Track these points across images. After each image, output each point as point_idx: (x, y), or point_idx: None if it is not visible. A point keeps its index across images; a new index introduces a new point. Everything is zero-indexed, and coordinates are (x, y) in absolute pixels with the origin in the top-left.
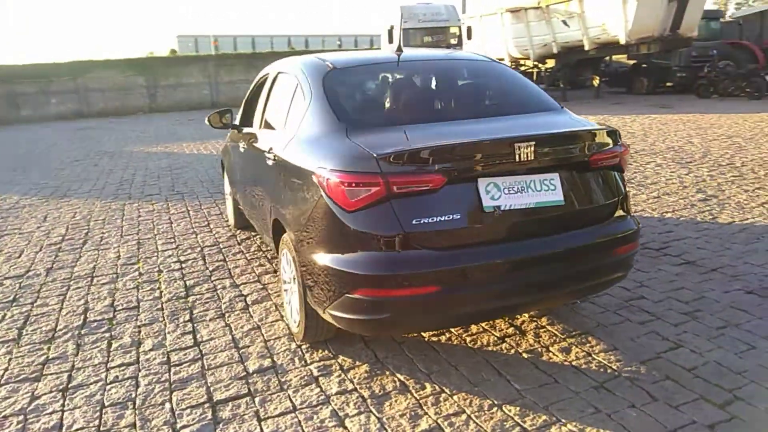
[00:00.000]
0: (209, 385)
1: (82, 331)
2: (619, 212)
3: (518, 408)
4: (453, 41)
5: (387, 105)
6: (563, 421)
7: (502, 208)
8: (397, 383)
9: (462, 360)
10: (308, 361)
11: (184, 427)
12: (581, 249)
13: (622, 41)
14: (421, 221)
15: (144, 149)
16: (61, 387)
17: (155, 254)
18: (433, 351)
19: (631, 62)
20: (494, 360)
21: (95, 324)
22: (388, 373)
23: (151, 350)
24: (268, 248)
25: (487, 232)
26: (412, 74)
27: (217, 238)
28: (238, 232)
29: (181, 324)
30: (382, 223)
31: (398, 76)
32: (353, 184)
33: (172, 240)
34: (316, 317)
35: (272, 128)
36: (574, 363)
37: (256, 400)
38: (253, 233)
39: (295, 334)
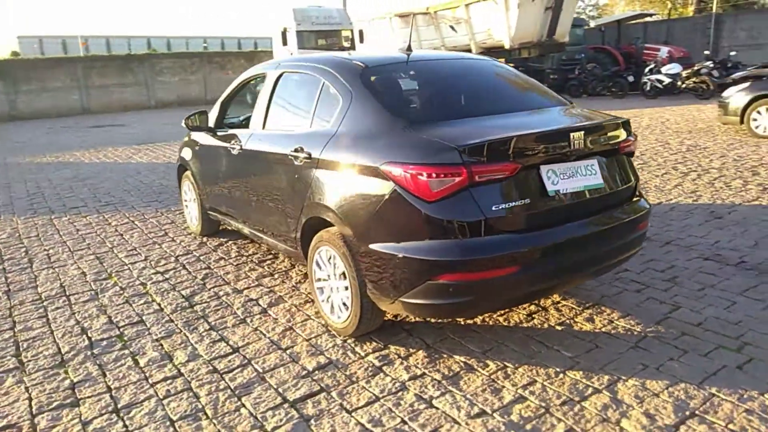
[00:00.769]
0: (275, 386)
1: (94, 351)
2: (637, 193)
3: (580, 372)
4: (346, 44)
5: (429, 101)
6: (624, 378)
7: (561, 191)
8: (461, 364)
9: (506, 337)
10: (363, 354)
11: (275, 428)
12: (619, 226)
13: (507, 46)
14: (499, 207)
15: (31, 160)
16: (110, 408)
17: (125, 267)
18: (475, 333)
19: (510, 66)
20: (534, 335)
21: (105, 342)
22: (445, 356)
23: (189, 361)
24: (254, 253)
25: (551, 214)
26: (438, 73)
27: (187, 246)
28: (206, 239)
29: (204, 333)
30: (465, 211)
31: (427, 74)
32: (437, 176)
33: (135, 252)
34: (372, 310)
35: (288, 129)
36: (603, 330)
37: (333, 394)
38: (225, 238)
39: (340, 329)
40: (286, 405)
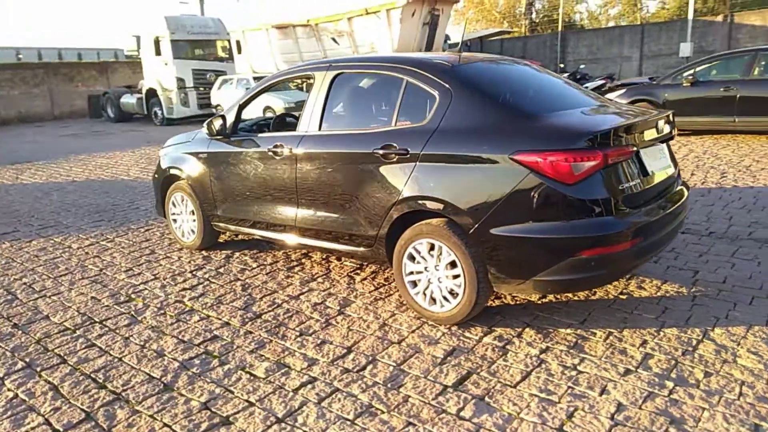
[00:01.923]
0: (422, 375)
1: (194, 371)
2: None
3: (674, 329)
4: (224, 54)
5: (520, 96)
6: (708, 328)
7: (652, 171)
8: (573, 335)
9: (588, 309)
10: (477, 338)
11: (460, 409)
12: (684, 203)
13: None
14: (622, 186)
15: None
16: (272, 420)
17: (140, 288)
18: (556, 309)
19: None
20: (607, 304)
21: (198, 361)
22: (552, 331)
23: (312, 365)
24: (274, 260)
25: (648, 193)
26: (503, 72)
27: (193, 261)
28: (208, 252)
29: (299, 339)
30: (599, 191)
31: (497, 73)
32: (579, 160)
33: (135, 272)
34: (486, 293)
35: (360, 128)
36: (658, 294)
37: (484, 374)
38: (229, 250)
39: (445, 318)
40: (450, 389)
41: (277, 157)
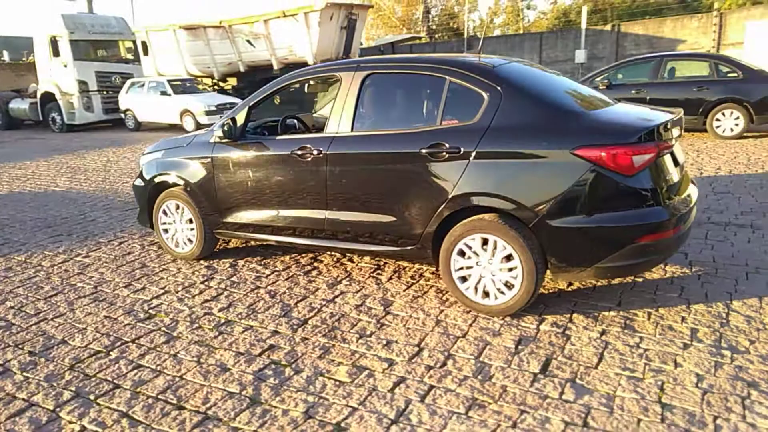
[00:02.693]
0: (507, 365)
1: (272, 381)
2: None
3: (700, 305)
4: (129, 56)
5: (560, 95)
6: (729, 302)
7: (681, 164)
8: (617, 318)
9: (615, 293)
10: (534, 327)
11: (561, 393)
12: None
13: (310, 62)
14: (667, 176)
15: None
16: (387, 422)
17: (156, 303)
18: (587, 295)
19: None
20: (630, 287)
21: (269, 372)
22: (597, 315)
23: (392, 365)
24: (287, 265)
25: (679, 183)
26: (530, 73)
27: (197, 272)
28: (210, 262)
29: (361, 342)
30: (652, 182)
31: (527, 74)
32: (639, 152)
33: (138, 288)
34: (540, 283)
35: (398, 128)
36: (667, 276)
37: (562, 359)
38: (230, 258)
39: (501, 309)
40: (540, 376)
41: (304, 160)
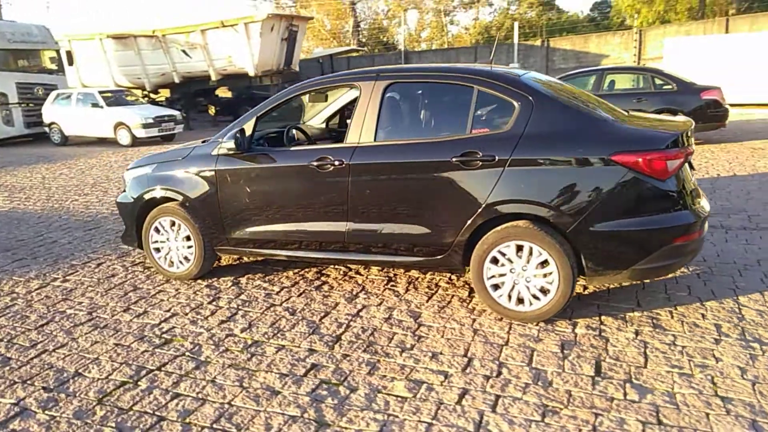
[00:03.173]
0: (562, 371)
1: (331, 402)
2: None
3: (713, 302)
4: (53, 66)
5: (583, 104)
6: (736, 297)
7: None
8: (643, 318)
9: (628, 294)
10: (569, 331)
11: (625, 394)
12: None
13: (251, 73)
14: (688, 182)
15: None
16: (473, 425)
17: (167, 327)
18: (605, 297)
19: (230, 94)
20: (641, 288)
21: (324, 392)
22: (623, 317)
23: (449, 378)
24: (294, 281)
25: (695, 188)
26: (546, 82)
27: (200, 292)
28: (212, 280)
29: (406, 356)
30: (682, 186)
31: (552, 82)
32: (672, 158)
33: (139, 312)
34: (574, 288)
35: (424, 137)
36: (669, 276)
37: (609, 360)
38: (230, 276)
39: (535, 315)
40: (598, 379)
41: (323, 171)
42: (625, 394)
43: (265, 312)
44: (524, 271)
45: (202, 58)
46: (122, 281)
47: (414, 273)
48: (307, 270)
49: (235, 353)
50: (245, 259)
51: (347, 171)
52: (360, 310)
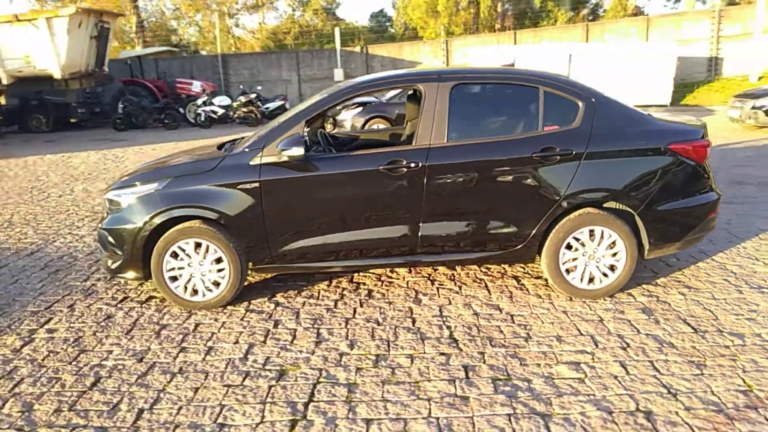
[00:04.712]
0: (667, 333)
1: (527, 395)
2: None
3: (712, 262)
4: None
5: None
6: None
7: None
8: (675, 282)
9: (640, 265)
10: (635, 300)
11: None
12: None
13: (58, 76)
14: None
15: None
16: (666, 394)
17: (260, 360)
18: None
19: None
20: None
21: (509, 388)
22: (656, 282)
23: (596, 354)
24: (322, 294)
25: None
26: None
27: (248, 319)
28: (236, 305)
29: (533, 343)
30: (709, 169)
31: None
32: (708, 146)
33: (205, 350)
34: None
35: (498, 136)
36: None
37: (690, 319)
38: (261, 298)
39: (606, 290)
40: (701, 332)
41: (395, 174)
42: (723, 340)
43: (348, 326)
44: (595, 253)
45: None
46: (144, 324)
47: (442, 270)
48: (339, 280)
49: (373, 371)
50: (261, 276)
51: (423, 173)
52: (440, 310)
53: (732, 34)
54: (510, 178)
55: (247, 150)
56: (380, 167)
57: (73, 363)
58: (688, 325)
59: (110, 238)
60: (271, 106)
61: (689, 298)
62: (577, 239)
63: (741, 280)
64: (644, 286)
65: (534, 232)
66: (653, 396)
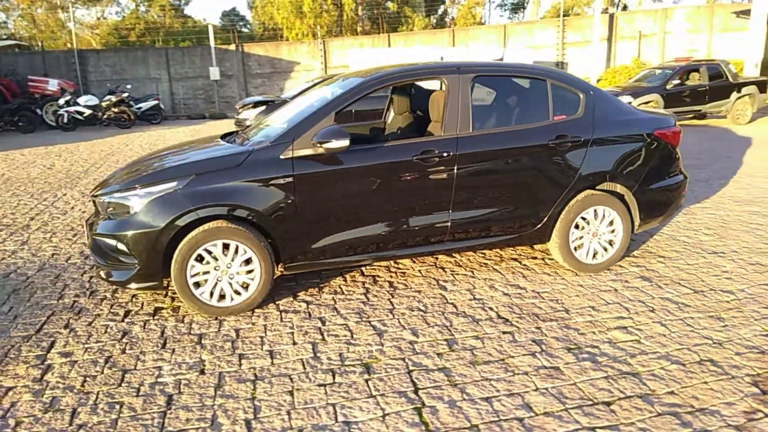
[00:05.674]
0: (676, 294)
1: (619, 366)
2: None
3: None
4: None
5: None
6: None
7: None
8: (669, 250)
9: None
10: (630, 270)
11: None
12: None
13: None
14: None
15: None
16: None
17: (334, 356)
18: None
19: None
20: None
21: (585, 356)
22: (641, 255)
23: (637, 316)
24: (350, 288)
25: None
26: None
27: (288, 322)
28: (271, 309)
29: (576, 313)
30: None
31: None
32: (680, 132)
33: (261, 354)
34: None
35: (515, 125)
36: None
37: (684, 284)
38: (288, 298)
39: (606, 264)
40: (703, 292)
41: (428, 164)
42: (721, 297)
43: (395, 316)
44: (598, 230)
45: None
46: (161, 334)
47: (443, 257)
48: (356, 271)
49: (454, 354)
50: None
51: (453, 161)
52: (473, 296)
53: (574, 41)
54: (530, 164)
55: (271, 144)
56: (414, 157)
57: (124, 384)
58: (685, 287)
59: (119, 246)
60: (144, 106)
61: (669, 266)
62: (584, 218)
63: (698, 248)
64: (627, 258)
65: (550, 213)
66: (705, 347)
